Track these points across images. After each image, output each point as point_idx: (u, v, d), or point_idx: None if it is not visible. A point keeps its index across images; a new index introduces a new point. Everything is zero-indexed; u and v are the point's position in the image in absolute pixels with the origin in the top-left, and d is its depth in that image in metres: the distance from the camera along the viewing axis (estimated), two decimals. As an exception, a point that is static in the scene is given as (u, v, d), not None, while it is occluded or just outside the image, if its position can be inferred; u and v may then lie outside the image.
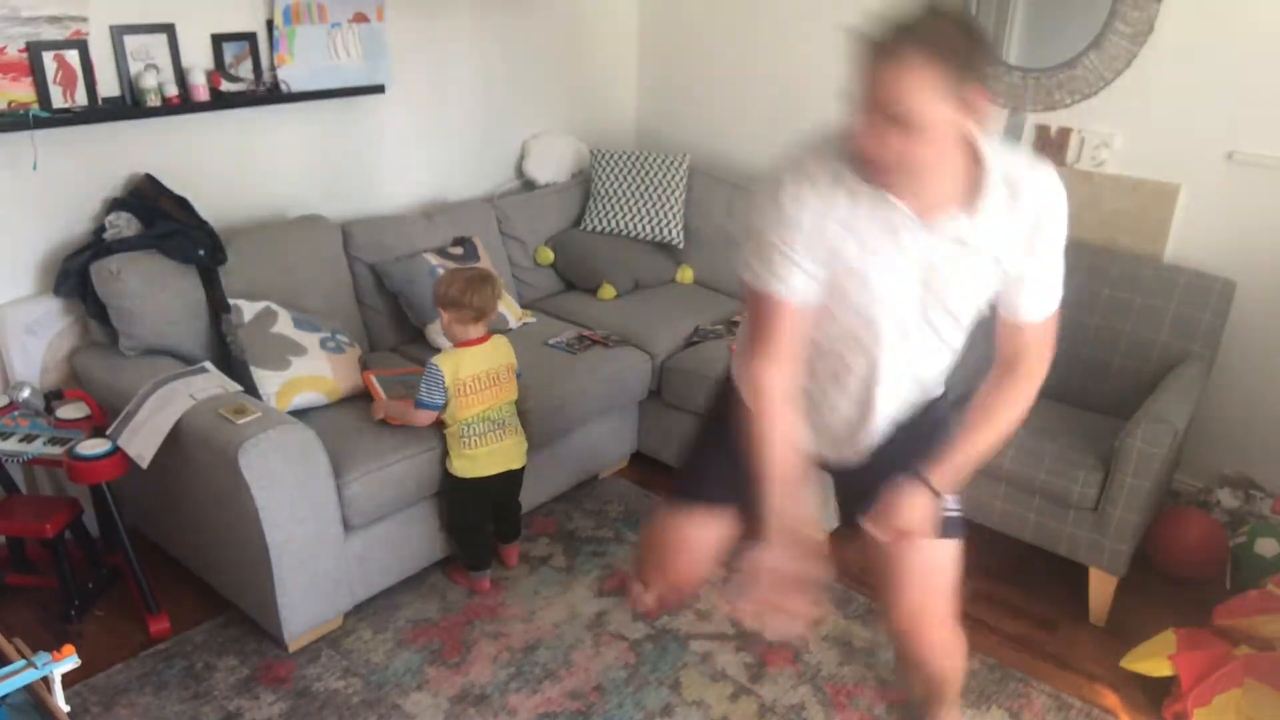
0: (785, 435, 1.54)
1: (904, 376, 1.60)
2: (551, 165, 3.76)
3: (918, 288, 1.48)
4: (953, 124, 1.31)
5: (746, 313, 1.60)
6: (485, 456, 2.47)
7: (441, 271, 2.96)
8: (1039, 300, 1.51)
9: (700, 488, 1.79)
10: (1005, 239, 1.43)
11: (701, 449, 1.86)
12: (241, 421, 2.16)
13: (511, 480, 2.58)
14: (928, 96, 1.27)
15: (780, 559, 1.47)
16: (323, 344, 2.64)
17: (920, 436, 1.65)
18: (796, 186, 1.43)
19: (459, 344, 2.46)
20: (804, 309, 1.50)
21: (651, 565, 1.92)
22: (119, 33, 2.54)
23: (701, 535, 1.79)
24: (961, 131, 1.34)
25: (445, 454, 2.48)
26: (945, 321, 1.53)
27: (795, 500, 1.52)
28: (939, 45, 1.27)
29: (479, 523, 2.59)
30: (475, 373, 2.43)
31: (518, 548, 2.74)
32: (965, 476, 1.59)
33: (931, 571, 1.69)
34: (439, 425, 2.48)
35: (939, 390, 1.72)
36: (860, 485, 1.68)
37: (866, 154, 1.35)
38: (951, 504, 1.66)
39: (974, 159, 1.39)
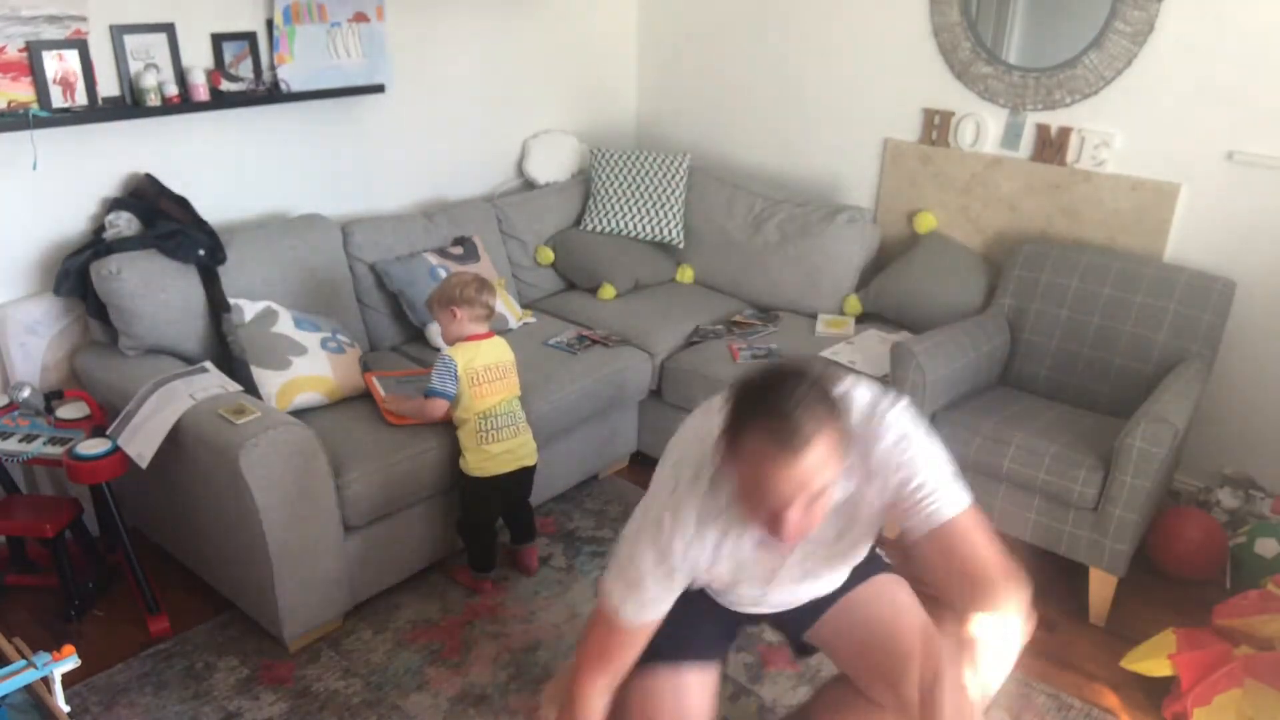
0: None
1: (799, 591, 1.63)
2: (551, 165, 3.76)
3: (795, 569, 1.56)
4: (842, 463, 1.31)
5: (591, 625, 1.54)
6: (502, 454, 2.47)
7: (442, 272, 2.97)
8: (942, 497, 1.39)
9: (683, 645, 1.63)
10: (862, 508, 1.46)
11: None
12: (241, 421, 2.16)
13: (523, 479, 2.58)
14: (835, 461, 1.28)
15: None
16: (323, 344, 2.64)
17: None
18: (672, 537, 1.42)
19: (467, 338, 2.48)
20: (654, 624, 1.48)
21: None
22: (119, 32, 2.54)
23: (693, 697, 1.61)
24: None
25: (459, 453, 2.49)
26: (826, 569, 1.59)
27: None
28: (826, 411, 1.25)
29: (490, 523, 2.59)
30: (487, 363, 2.47)
31: (535, 550, 2.72)
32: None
33: (900, 617, 1.64)
34: (449, 424, 2.49)
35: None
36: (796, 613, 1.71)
37: (787, 536, 1.31)
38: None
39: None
